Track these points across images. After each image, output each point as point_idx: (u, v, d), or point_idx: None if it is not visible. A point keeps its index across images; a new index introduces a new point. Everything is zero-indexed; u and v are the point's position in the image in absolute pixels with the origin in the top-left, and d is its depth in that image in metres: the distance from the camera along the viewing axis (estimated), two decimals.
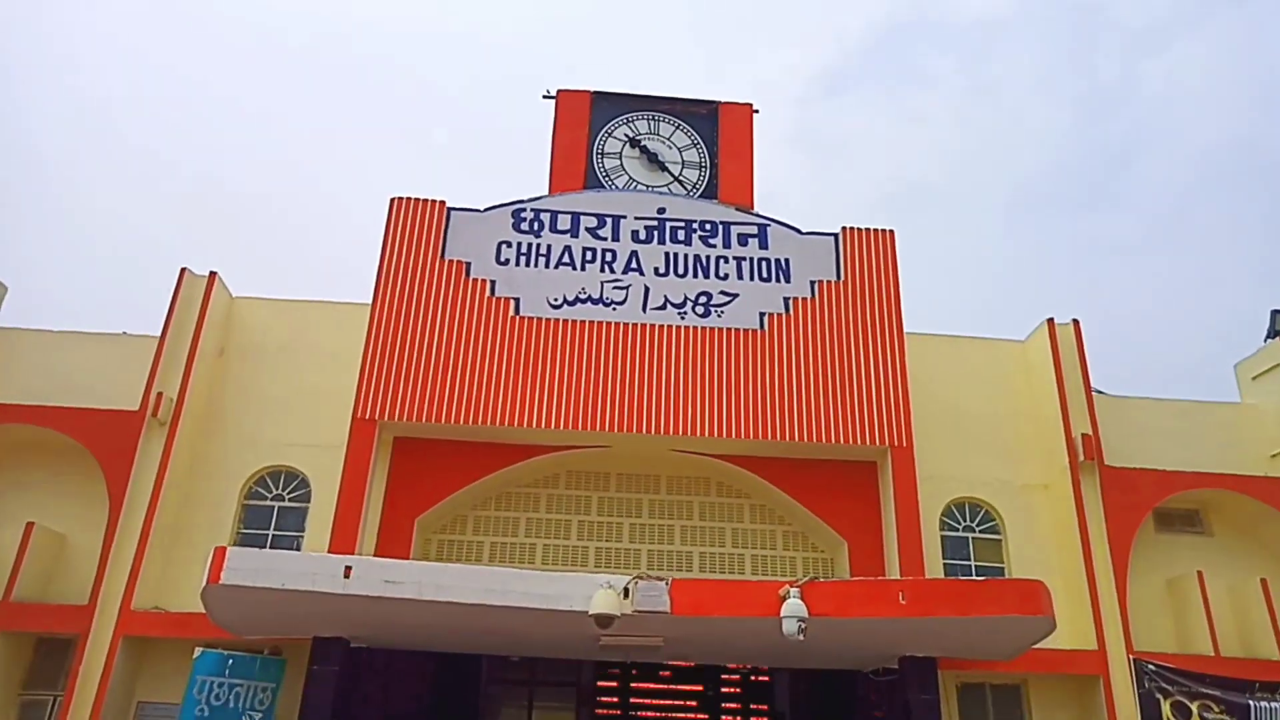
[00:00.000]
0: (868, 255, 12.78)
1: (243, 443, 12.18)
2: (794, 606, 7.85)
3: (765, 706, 17.93)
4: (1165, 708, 11.10)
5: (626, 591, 8.17)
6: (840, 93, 61.76)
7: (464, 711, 17.66)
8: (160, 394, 11.75)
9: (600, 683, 17.74)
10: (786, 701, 18.18)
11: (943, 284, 42.49)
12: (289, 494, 12.11)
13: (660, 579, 8.29)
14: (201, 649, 10.45)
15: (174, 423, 11.72)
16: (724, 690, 17.79)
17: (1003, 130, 55.91)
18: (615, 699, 17.71)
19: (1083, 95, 54.88)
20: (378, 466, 11.64)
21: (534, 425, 11.48)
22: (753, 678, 18.05)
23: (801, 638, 7.76)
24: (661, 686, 17.87)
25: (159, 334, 12.11)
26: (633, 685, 17.80)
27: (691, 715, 17.91)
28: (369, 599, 8.02)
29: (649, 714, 17.62)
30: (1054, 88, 55.83)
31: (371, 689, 12.10)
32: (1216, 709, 11.06)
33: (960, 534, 12.37)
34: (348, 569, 7.91)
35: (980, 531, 12.40)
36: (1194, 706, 11.09)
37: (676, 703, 17.86)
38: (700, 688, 17.76)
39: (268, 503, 11.99)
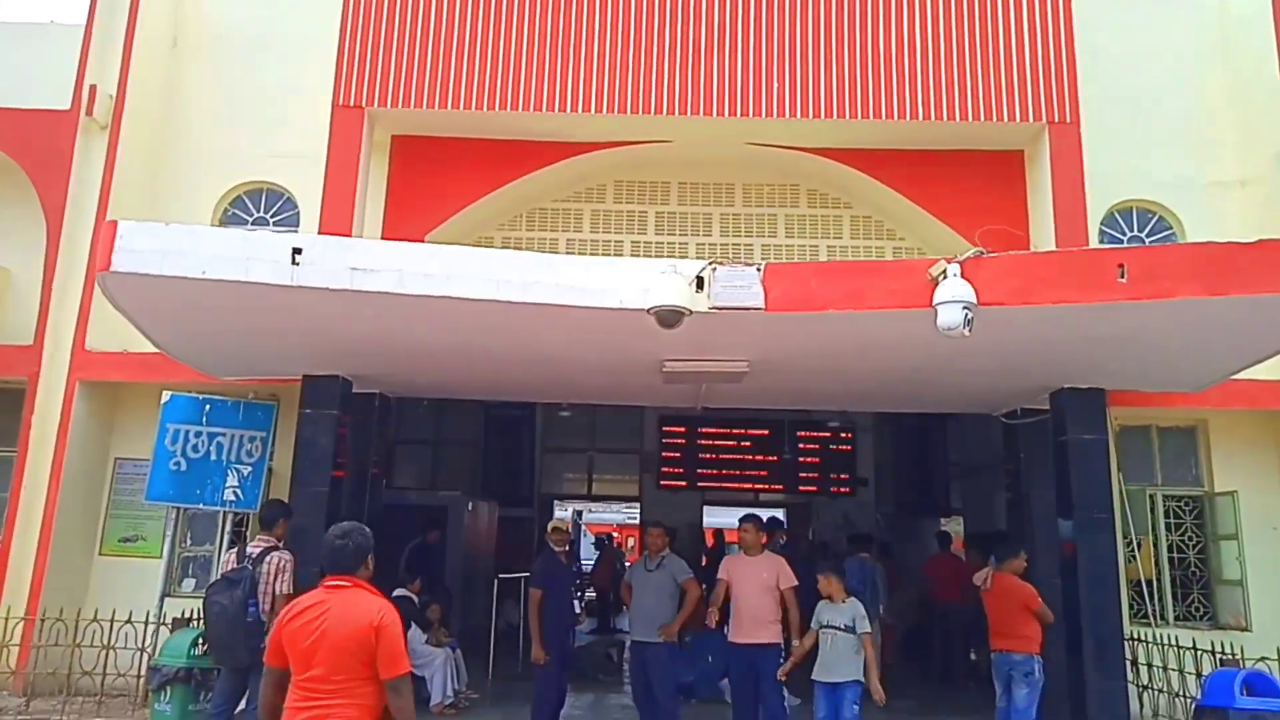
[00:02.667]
0: None
1: (214, 156, 9.47)
2: (955, 288, 5.05)
3: (847, 475, 15.82)
4: None
5: (700, 282, 5.44)
6: None
7: (519, 484, 15.92)
8: (94, 87, 8.98)
9: (665, 452, 15.75)
10: (870, 467, 16.03)
11: None
12: (273, 217, 9.53)
13: (749, 264, 5.53)
14: (171, 393, 8.25)
15: (116, 125, 9.03)
16: (801, 459, 15.67)
17: None
18: (680, 469, 15.73)
19: None
20: (373, 172, 8.90)
21: (565, 110, 8.48)
22: (832, 446, 15.88)
23: (967, 332, 5.01)
24: (731, 455, 15.80)
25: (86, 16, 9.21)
26: (700, 455, 15.75)
27: (764, 485, 15.94)
28: (331, 295, 5.46)
29: (718, 484, 15.67)
30: None
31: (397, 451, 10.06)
32: None
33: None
34: (296, 251, 5.31)
35: (1151, 243, 9.34)
36: None
37: (748, 472, 15.85)
38: (775, 458, 15.67)
39: (248, 229, 9.42)
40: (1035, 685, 6.67)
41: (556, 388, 8.73)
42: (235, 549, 5.95)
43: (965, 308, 5.00)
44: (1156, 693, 7.58)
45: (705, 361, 6.93)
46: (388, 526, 11.36)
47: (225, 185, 9.50)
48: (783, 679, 6.55)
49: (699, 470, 15.40)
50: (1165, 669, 7.43)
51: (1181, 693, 7.17)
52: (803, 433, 15.42)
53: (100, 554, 8.81)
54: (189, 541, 8.93)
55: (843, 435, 15.55)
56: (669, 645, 6.86)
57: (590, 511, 20.96)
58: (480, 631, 10.90)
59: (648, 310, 5.38)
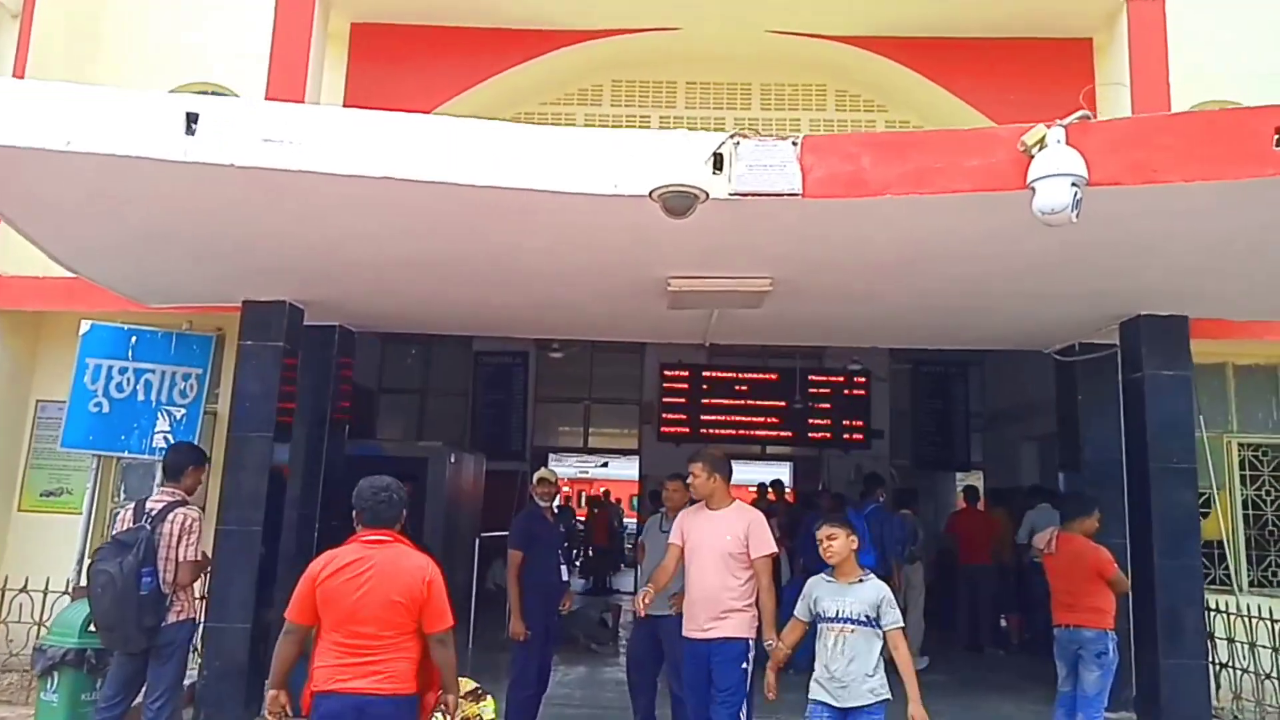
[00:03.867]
0: None
1: (148, 54, 8.06)
2: (1060, 158, 3.74)
3: (860, 425, 14.60)
4: None
5: (719, 160, 4.13)
6: None
7: (510, 436, 14.71)
8: None
9: (666, 400, 14.51)
10: (886, 417, 14.81)
11: None
12: None
13: (781, 136, 4.21)
14: (90, 322, 6.97)
15: (28, 13, 7.62)
16: (813, 404, 14.44)
17: None
18: (682, 418, 14.51)
19: None
20: (328, 68, 7.49)
21: None
22: (845, 393, 14.63)
23: (1074, 217, 3.71)
24: (736, 404, 14.57)
25: None
26: (703, 403, 14.51)
27: (773, 433, 14.72)
28: (241, 177, 4.15)
29: (721, 431, 14.45)
30: None
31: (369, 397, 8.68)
32: None
33: None
34: (191, 117, 4.00)
35: None
36: None
37: (755, 420, 14.63)
38: (784, 403, 14.44)
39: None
40: (1109, 666, 5.50)
41: (545, 319, 7.44)
42: (134, 505, 4.71)
43: (1075, 183, 3.70)
44: (1238, 672, 6.42)
45: (719, 279, 5.64)
46: (356, 480, 10.20)
47: (162, 88, 8.09)
48: (771, 696, 4.29)
49: (702, 420, 14.18)
50: (1253, 645, 6.25)
51: (1274, 673, 6.00)
52: (814, 378, 14.17)
53: (19, 510, 7.59)
54: (122, 496, 7.70)
55: (857, 382, 14.31)
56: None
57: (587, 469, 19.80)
58: (461, 594, 9.77)
59: (651, 194, 4.07)
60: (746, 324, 7.03)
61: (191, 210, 4.80)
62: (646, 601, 4.60)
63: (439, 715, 3.45)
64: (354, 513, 3.49)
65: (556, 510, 6.36)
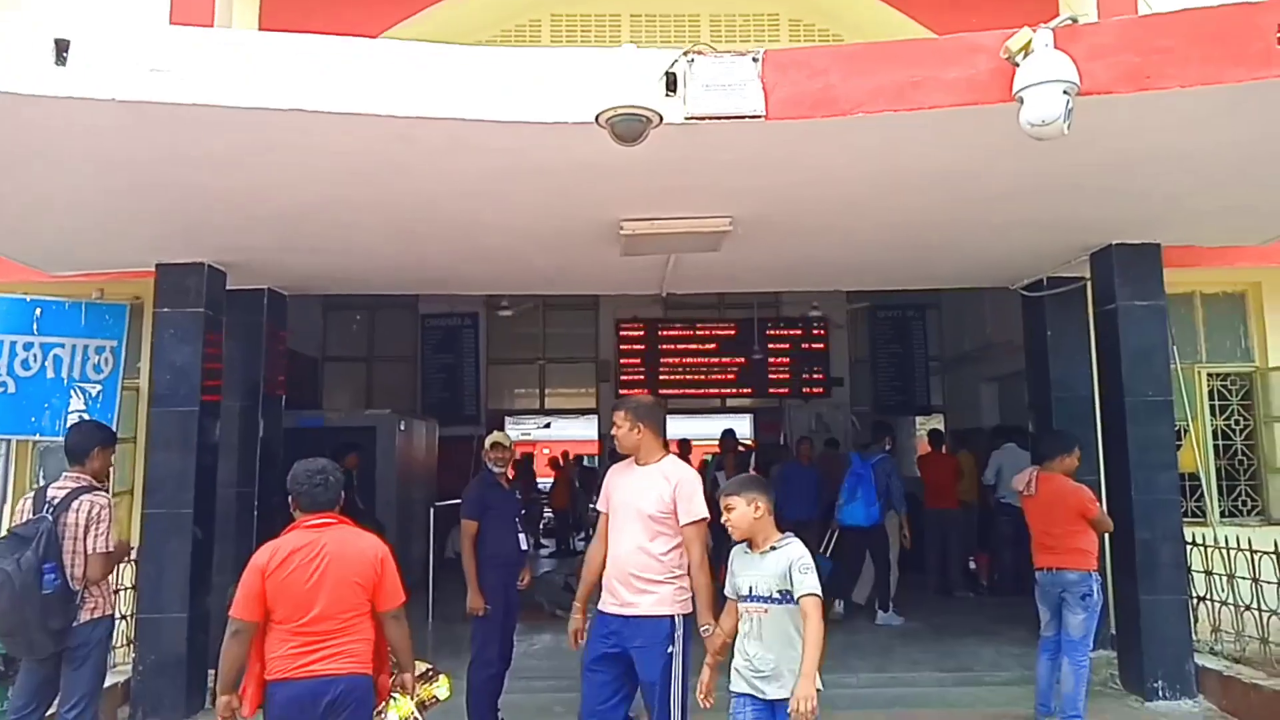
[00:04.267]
0: None
1: None
2: (1049, 64, 3.35)
3: (820, 375, 14.37)
4: None
5: (672, 81, 3.67)
6: None
7: (462, 400, 14.21)
8: None
9: (623, 359, 14.12)
10: (845, 365, 14.60)
11: None
12: None
13: (741, 52, 3.77)
14: None
15: None
16: (771, 360, 14.16)
17: None
18: (640, 376, 14.14)
19: None
20: (236, 14, 6.85)
21: None
22: (804, 344, 14.36)
23: (1067, 128, 3.34)
24: (695, 359, 14.23)
25: None
26: (661, 360, 14.15)
27: (731, 391, 14.43)
28: (125, 113, 3.60)
29: (681, 390, 14.12)
30: None
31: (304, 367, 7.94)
32: None
33: None
34: (61, 44, 3.43)
35: None
36: None
37: (714, 376, 14.32)
38: (743, 359, 14.14)
39: None
40: (1094, 608, 5.30)
41: (490, 275, 6.95)
42: (34, 493, 4.18)
43: (1066, 90, 3.32)
44: (1215, 605, 6.29)
45: (674, 221, 5.21)
46: (298, 454, 9.67)
47: None
48: (705, 703, 3.52)
49: (661, 375, 13.83)
50: (1231, 577, 6.11)
51: (1256, 604, 5.87)
52: (772, 330, 13.88)
53: None
54: (41, 482, 7.09)
55: (815, 332, 14.06)
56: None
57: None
58: (418, 566, 9.36)
59: (598, 118, 3.61)
60: (705, 270, 6.62)
61: (80, 160, 4.22)
62: (578, 634, 3.95)
63: (396, 696, 3.38)
64: (289, 499, 3.37)
65: (511, 477, 5.95)
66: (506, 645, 5.38)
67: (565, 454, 16.26)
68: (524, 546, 5.47)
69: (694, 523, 3.77)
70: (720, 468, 9.98)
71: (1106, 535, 5.64)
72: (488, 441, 5.49)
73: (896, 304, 14.34)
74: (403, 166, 4.31)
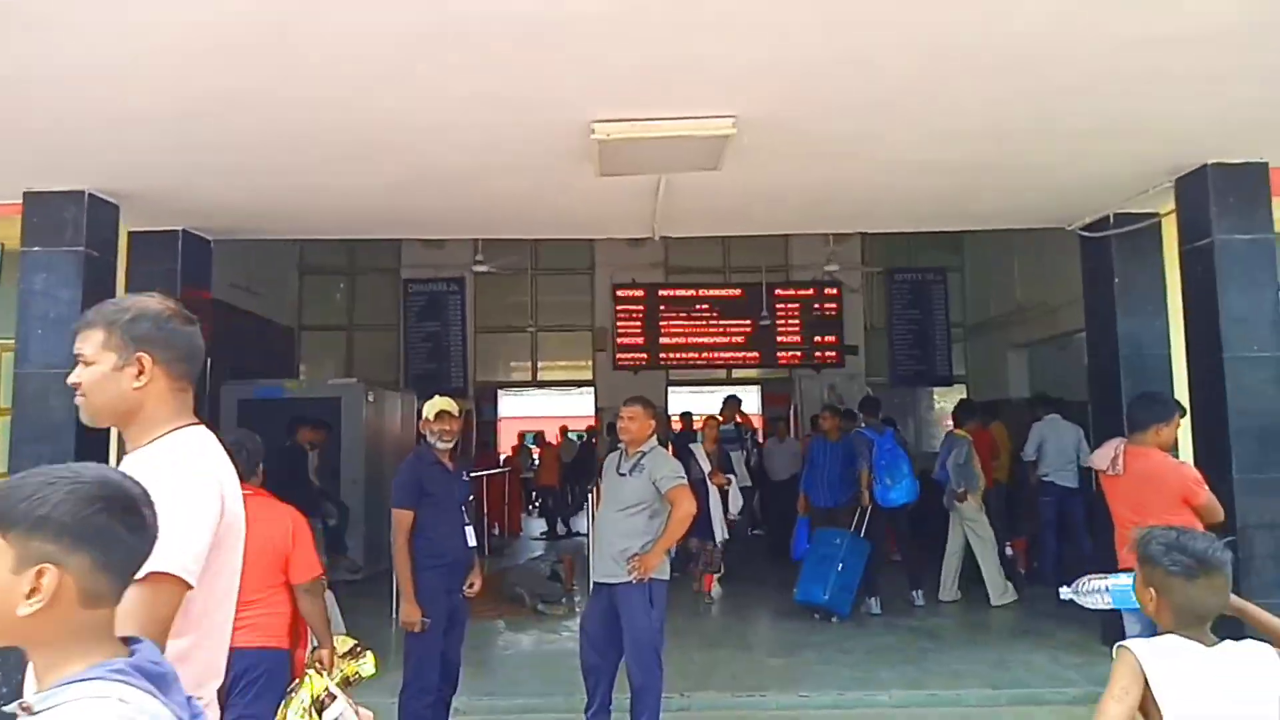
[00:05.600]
0: None
1: None
2: None
3: (833, 341, 13.09)
4: None
5: None
6: None
7: (449, 372, 13.01)
8: None
9: (620, 325, 12.86)
10: (860, 332, 13.30)
11: None
12: None
13: None
14: None
15: None
16: (780, 324, 12.87)
17: None
18: (641, 340, 12.87)
19: None
20: None
21: None
22: (815, 308, 13.07)
23: None
24: (697, 325, 12.96)
25: None
26: (662, 326, 12.87)
27: (740, 355, 13.16)
28: None
29: (682, 355, 12.87)
30: None
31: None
32: None
33: None
34: None
35: None
36: None
37: (718, 342, 13.05)
38: (749, 323, 12.86)
39: None
40: None
41: (443, 208, 5.68)
42: None
43: None
44: None
45: (662, 123, 3.95)
46: (253, 427, 8.50)
47: None
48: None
49: (661, 344, 12.58)
50: None
51: None
52: (781, 292, 12.59)
53: None
54: None
55: (828, 293, 12.76)
56: (645, 587, 4.13)
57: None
58: (388, 555, 8.17)
59: None
60: (704, 202, 5.38)
61: None
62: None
63: (312, 672, 3.15)
64: None
65: (460, 453, 4.73)
66: (451, 665, 4.18)
67: (563, 429, 15.02)
68: (472, 542, 4.24)
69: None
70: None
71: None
72: (429, 409, 4.25)
73: (915, 267, 13.07)
74: (286, 38, 3.05)
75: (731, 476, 7.72)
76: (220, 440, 2.74)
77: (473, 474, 9.93)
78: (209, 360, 5.35)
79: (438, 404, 4.27)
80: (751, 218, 6.12)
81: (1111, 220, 5.88)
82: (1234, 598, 2.03)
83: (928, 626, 6.77)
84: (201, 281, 5.96)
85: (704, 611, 7.60)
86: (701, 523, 6.63)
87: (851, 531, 7.05)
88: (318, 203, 5.38)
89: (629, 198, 5.18)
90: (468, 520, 4.23)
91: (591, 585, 4.56)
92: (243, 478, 2.96)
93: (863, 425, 7.80)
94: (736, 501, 7.74)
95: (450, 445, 4.25)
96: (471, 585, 4.25)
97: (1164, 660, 1.81)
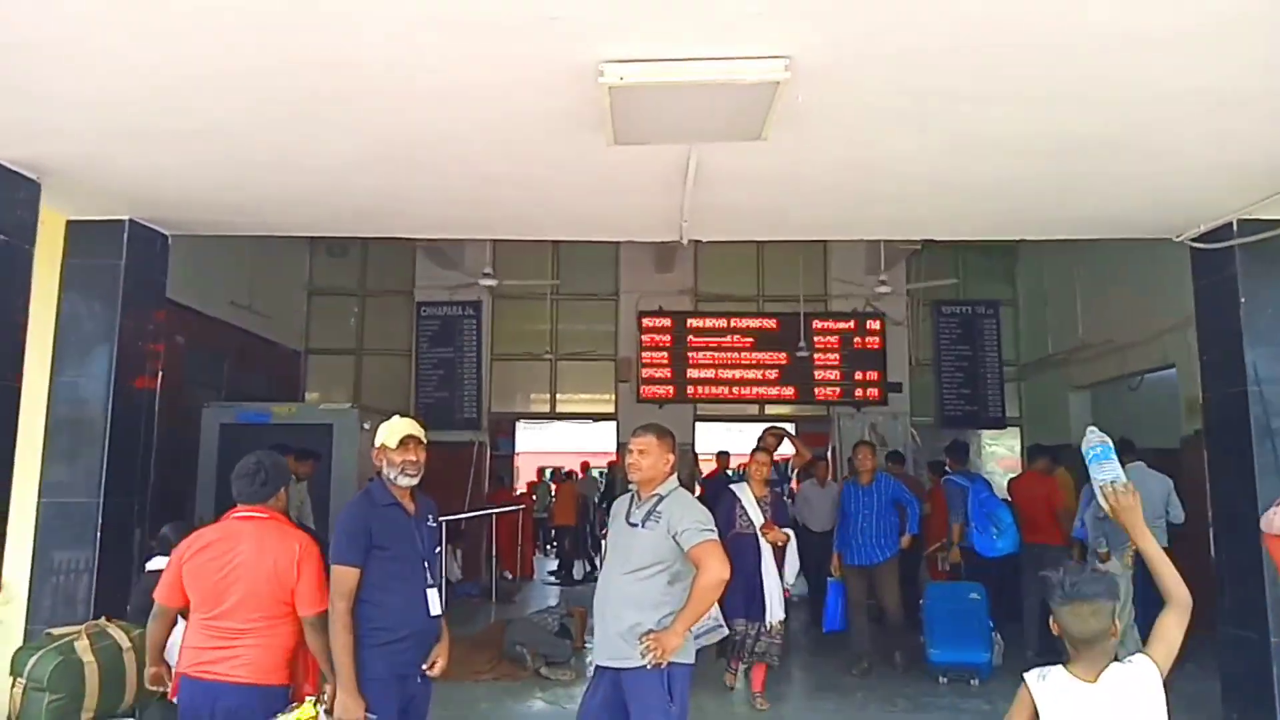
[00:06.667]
0: None
1: None
2: None
3: (876, 377, 11.96)
4: None
5: None
6: None
7: (461, 401, 12.08)
8: None
9: (645, 352, 11.86)
10: (905, 368, 12.15)
11: None
12: None
13: None
14: None
15: None
16: (818, 357, 11.79)
17: None
18: (665, 375, 11.85)
19: None
20: None
21: None
22: (857, 341, 11.98)
23: None
24: (728, 356, 11.91)
25: None
26: (690, 357, 11.82)
27: (774, 390, 12.07)
28: None
29: (711, 390, 11.82)
30: None
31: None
32: None
33: None
34: None
35: None
36: None
37: (750, 376, 11.99)
38: (784, 356, 11.79)
39: None
40: None
41: (429, 199, 4.73)
42: None
43: None
44: None
45: (691, 65, 2.97)
46: (230, 454, 7.58)
47: None
48: None
49: (689, 376, 11.55)
50: None
51: None
52: (819, 324, 11.54)
53: None
54: None
55: (869, 328, 11.69)
56: (662, 674, 3.08)
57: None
58: None
59: None
60: (737, 200, 4.42)
61: None
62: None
63: (310, 702, 2.89)
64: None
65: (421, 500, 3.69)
66: None
67: (585, 465, 13.96)
68: (435, 610, 3.20)
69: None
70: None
71: None
72: (387, 434, 3.24)
73: (965, 300, 12.01)
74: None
75: (789, 531, 5.62)
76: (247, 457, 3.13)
77: (464, 515, 8.91)
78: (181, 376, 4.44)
79: (400, 427, 3.28)
80: (790, 219, 5.10)
81: (1235, 227, 4.81)
82: (1146, 542, 2.27)
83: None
84: (153, 282, 5.06)
85: (741, 709, 5.79)
86: (749, 594, 5.34)
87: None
88: (291, 195, 4.48)
89: (652, 186, 4.21)
90: (431, 580, 3.20)
91: (591, 665, 3.45)
92: (251, 499, 3.06)
93: (949, 471, 6.78)
94: (793, 565, 5.66)
95: (415, 480, 3.25)
96: (433, 664, 3.21)
97: (1049, 691, 2.14)
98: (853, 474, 6.76)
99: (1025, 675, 2.17)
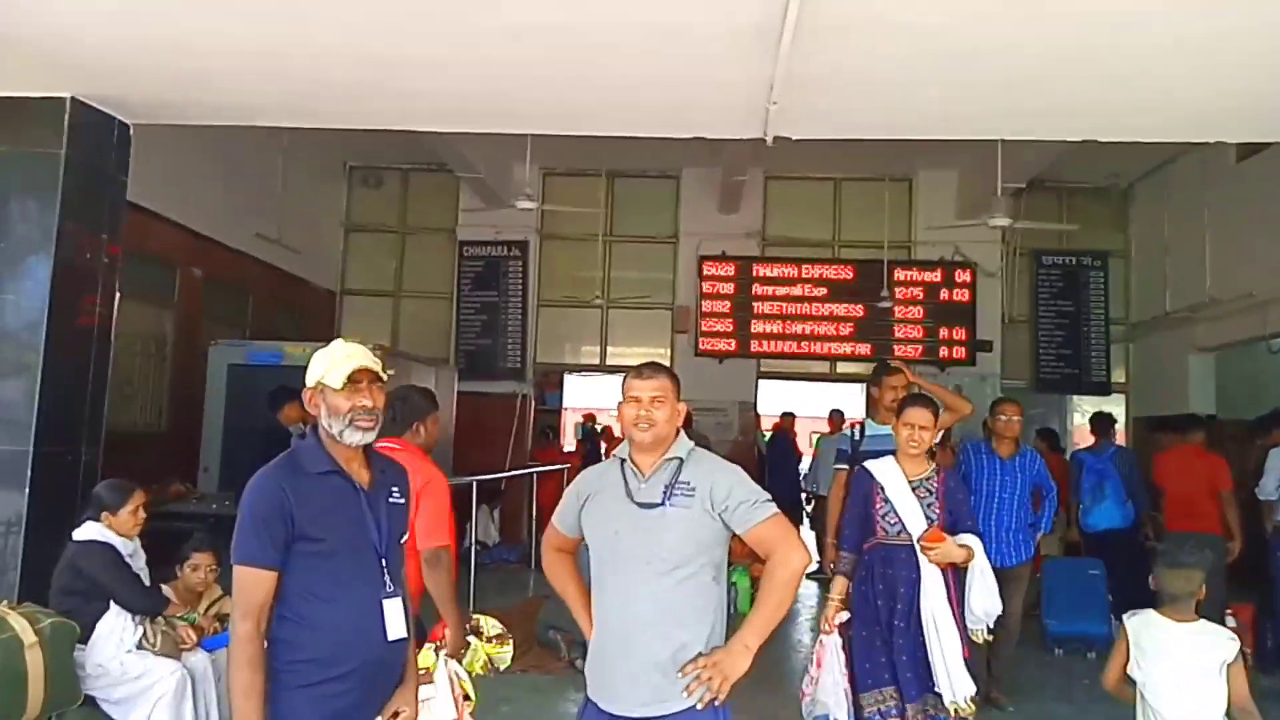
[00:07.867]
0: None
1: None
2: None
3: (964, 334, 10.58)
4: None
5: None
6: None
7: (503, 350, 11.07)
8: None
9: (706, 304, 10.65)
10: (997, 325, 10.72)
11: None
12: None
13: None
14: None
15: None
16: (898, 309, 10.43)
17: None
18: (729, 323, 10.64)
19: None
20: None
21: None
22: (944, 293, 10.57)
23: None
24: (798, 307, 10.62)
25: None
26: (754, 307, 10.56)
27: (846, 351, 10.79)
28: None
29: (778, 343, 10.58)
30: None
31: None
32: None
33: None
34: None
35: None
36: None
37: (822, 329, 10.71)
38: (861, 308, 10.48)
39: None
40: None
41: (458, 74, 3.58)
42: None
43: None
44: None
45: None
46: (234, 397, 6.70)
47: None
48: None
49: (753, 330, 10.32)
50: None
51: None
52: (902, 273, 10.18)
53: None
54: None
55: (958, 279, 10.27)
56: (720, 715, 2.04)
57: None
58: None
59: None
60: (850, 72, 3.13)
61: None
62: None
63: (430, 648, 2.54)
64: None
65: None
66: None
67: (590, 418, 12.46)
68: (398, 632, 2.09)
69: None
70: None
71: None
72: (325, 370, 2.14)
73: (1067, 249, 10.51)
74: None
75: (973, 541, 3.37)
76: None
77: (482, 477, 7.83)
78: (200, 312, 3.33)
79: (346, 355, 2.16)
80: (886, 110, 3.79)
81: None
82: None
83: None
84: (107, 179, 4.03)
85: None
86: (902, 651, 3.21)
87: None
88: (247, 60, 3.37)
89: (729, 50, 2.98)
90: (392, 587, 2.10)
91: (586, 707, 2.23)
92: (395, 432, 2.97)
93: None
94: (987, 599, 3.41)
95: (370, 436, 2.14)
96: (398, 714, 2.12)
97: (1140, 625, 2.70)
98: (988, 436, 4.97)
99: (1123, 616, 2.76)
